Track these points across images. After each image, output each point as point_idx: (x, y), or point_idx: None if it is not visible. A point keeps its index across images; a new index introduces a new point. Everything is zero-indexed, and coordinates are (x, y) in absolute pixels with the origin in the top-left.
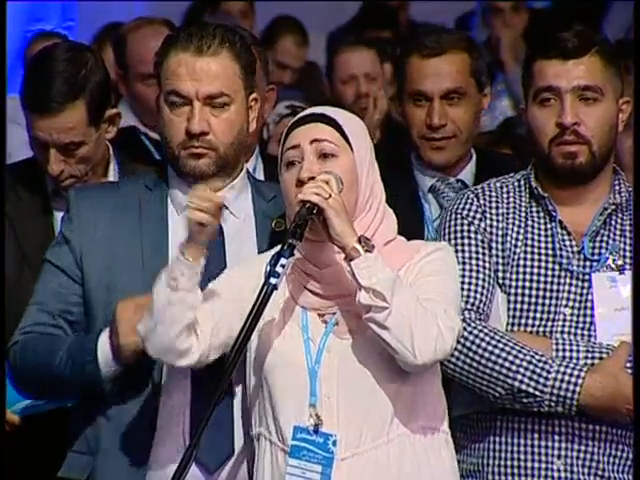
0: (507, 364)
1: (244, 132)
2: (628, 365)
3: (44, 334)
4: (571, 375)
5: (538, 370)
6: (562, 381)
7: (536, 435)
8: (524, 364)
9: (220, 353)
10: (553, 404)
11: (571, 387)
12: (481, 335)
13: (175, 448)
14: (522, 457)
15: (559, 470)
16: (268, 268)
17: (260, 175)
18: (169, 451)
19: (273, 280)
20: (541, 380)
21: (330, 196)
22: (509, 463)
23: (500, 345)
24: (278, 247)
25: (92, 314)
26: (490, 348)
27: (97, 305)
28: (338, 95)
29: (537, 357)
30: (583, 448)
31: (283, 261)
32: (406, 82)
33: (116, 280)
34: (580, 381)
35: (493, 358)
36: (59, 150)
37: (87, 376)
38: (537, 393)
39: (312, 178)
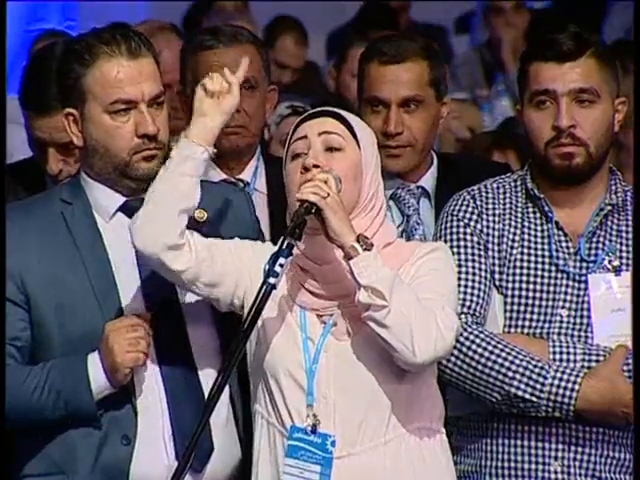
0: (503, 370)
1: None
2: (625, 369)
3: None
4: (567, 381)
5: (534, 376)
6: (559, 387)
7: (533, 437)
8: (520, 370)
9: (204, 291)
10: (550, 409)
11: (567, 393)
12: (477, 340)
13: (158, 457)
14: (519, 459)
15: (556, 472)
16: (267, 267)
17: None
18: (152, 461)
19: (272, 280)
20: (537, 386)
21: (328, 195)
22: (506, 465)
23: (496, 351)
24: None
25: (46, 336)
26: (486, 354)
27: (50, 326)
28: (344, 87)
29: (533, 362)
30: (580, 450)
31: (282, 260)
32: (364, 88)
33: (64, 298)
34: (577, 387)
35: (489, 364)
36: (58, 149)
37: (77, 405)
38: (534, 399)
39: (317, 166)
